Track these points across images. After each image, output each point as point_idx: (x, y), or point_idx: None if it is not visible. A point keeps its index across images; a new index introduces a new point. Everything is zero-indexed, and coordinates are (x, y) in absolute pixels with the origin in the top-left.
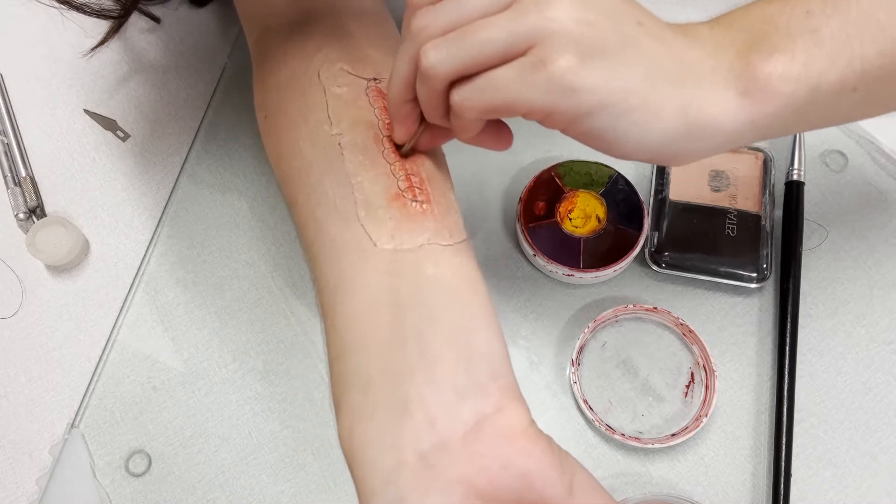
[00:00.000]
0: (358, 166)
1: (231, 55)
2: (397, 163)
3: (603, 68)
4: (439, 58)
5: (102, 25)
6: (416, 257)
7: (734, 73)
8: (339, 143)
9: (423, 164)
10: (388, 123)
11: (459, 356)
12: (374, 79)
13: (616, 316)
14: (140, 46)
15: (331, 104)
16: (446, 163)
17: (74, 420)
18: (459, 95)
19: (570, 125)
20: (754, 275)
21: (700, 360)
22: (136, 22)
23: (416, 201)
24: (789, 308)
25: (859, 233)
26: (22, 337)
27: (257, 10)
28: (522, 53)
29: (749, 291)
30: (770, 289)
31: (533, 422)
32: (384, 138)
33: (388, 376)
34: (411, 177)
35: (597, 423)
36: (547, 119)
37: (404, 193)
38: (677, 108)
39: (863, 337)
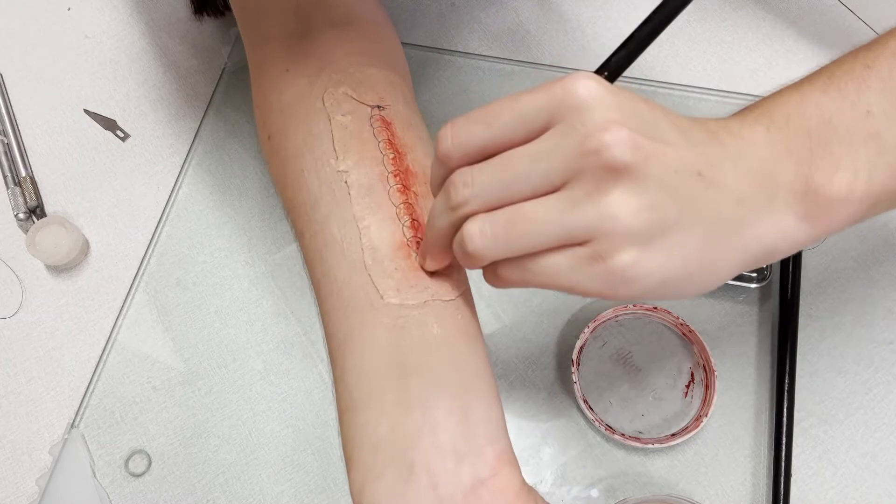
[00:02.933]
0: (365, 209)
1: (231, 55)
2: (402, 205)
3: (663, 249)
4: (485, 244)
5: (103, 25)
6: (420, 314)
7: (794, 194)
8: (346, 182)
9: (427, 206)
10: (392, 158)
11: (460, 421)
12: (378, 106)
13: (616, 316)
14: (140, 46)
15: (336, 135)
16: None
17: (74, 420)
18: (506, 272)
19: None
20: (754, 275)
21: (700, 360)
22: (136, 23)
23: (420, 253)
24: (789, 308)
25: (859, 233)
26: (22, 337)
27: (255, 21)
28: (578, 243)
29: (749, 291)
30: (770, 289)
31: (524, 483)
32: (389, 175)
33: (395, 437)
34: (415, 222)
35: (597, 423)
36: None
37: (409, 242)
38: (737, 255)
39: (863, 337)
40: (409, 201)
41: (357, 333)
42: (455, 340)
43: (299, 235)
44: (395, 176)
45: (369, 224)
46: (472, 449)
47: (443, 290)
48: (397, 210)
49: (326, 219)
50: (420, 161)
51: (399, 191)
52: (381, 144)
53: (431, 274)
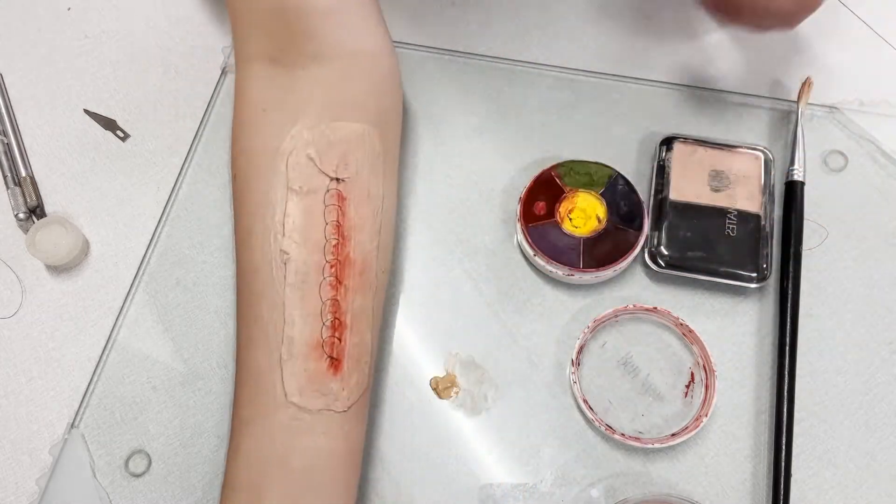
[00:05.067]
0: (294, 299)
1: (231, 55)
2: (329, 301)
3: None
4: None
5: (103, 25)
6: (312, 421)
7: None
8: (285, 264)
9: (354, 302)
10: (335, 245)
11: None
12: (337, 179)
13: (616, 316)
14: (140, 46)
15: (289, 209)
16: (384, 283)
17: (74, 420)
18: None
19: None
20: (754, 275)
21: (700, 360)
22: (136, 23)
23: (331, 357)
24: (789, 308)
25: (859, 233)
26: (22, 337)
27: (244, 35)
28: None
29: (749, 291)
30: (770, 289)
31: None
32: (325, 265)
33: None
34: (336, 321)
35: (597, 423)
36: None
37: (324, 344)
38: None
39: (863, 337)
40: (338, 298)
41: (258, 421)
42: (336, 451)
43: (238, 290)
44: (332, 267)
45: (295, 317)
46: None
47: (339, 401)
48: (323, 307)
49: (261, 295)
50: (363, 245)
51: (331, 285)
52: (327, 228)
53: (336, 375)
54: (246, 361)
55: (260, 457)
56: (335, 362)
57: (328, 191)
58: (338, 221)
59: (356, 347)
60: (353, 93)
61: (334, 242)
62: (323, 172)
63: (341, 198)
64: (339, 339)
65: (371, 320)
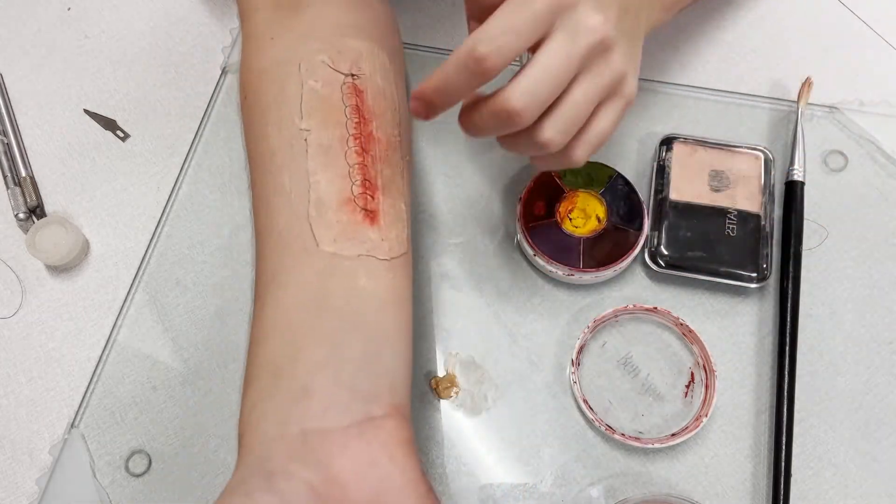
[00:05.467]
0: (318, 165)
1: (231, 55)
2: (357, 165)
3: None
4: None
5: (103, 25)
6: (352, 266)
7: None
8: (306, 139)
9: (383, 171)
10: (356, 123)
11: (365, 366)
12: (352, 74)
13: (616, 316)
14: (140, 46)
15: (305, 98)
16: (410, 170)
17: (74, 420)
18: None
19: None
20: (754, 275)
21: (700, 360)
22: (136, 23)
23: (365, 209)
24: (789, 308)
25: (859, 233)
26: (22, 337)
27: None
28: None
29: (749, 291)
30: (770, 289)
31: (413, 441)
32: (349, 138)
33: (297, 365)
34: (366, 182)
35: (597, 423)
36: None
37: (356, 199)
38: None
39: (863, 337)
40: (365, 163)
41: (285, 273)
42: (382, 295)
43: (252, 185)
44: (356, 139)
45: (320, 179)
46: (370, 391)
47: (380, 249)
48: (350, 170)
49: (280, 169)
50: (386, 129)
51: (356, 153)
52: (347, 109)
53: (372, 226)
54: (266, 229)
55: (295, 302)
56: (371, 215)
57: (344, 83)
58: (357, 105)
59: (391, 207)
60: (357, 20)
61: (355, 121)
62: (337, 70)
63: (358, 90)
64: (372, 197)
65: (402, 191)
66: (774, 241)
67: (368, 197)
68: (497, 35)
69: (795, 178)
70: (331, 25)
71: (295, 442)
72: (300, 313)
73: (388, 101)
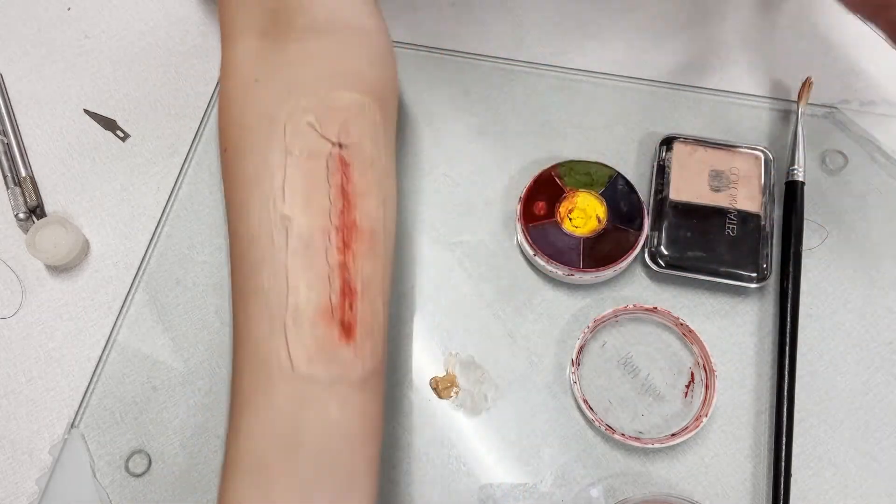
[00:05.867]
0: (298, 265)
1: None
2: (337, 267)
3: None
4: None
5: (103, 25)
6: (324, 394)
7: None
8: (287, 229)
9: (363, 269)
10: (340, 210)
11: (335, 502)
12: (339, 144)
13: (616, 316)
14: (140, 46)
15: (288, 174)
16: (391, 257)
17: (74, 420)
18: None
19: None
20: (754, 275)
21: (700, 360)
22: (136, 23)
23: (342, 323)
24: (789, 308)
25: (859, 233)
26: (22, 337)
27: (232, 14)
28: None
29: (749, 291)
30: (770, 289)
31: None
32: (332, 230)
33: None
34: (345, 287)
35: (597, 423)
36: None
37: (334, 310)
38: None
39: (863, 337)
40: (346, 263)
41: (260, 397)
42: (353, 430)
43: (232, 268)
44: (338, 232)
45: (299, 283)
46: None
47: (353, 370)
48: (331, 272)
49: (258, 265)
50: (370, 212)
51: (338, 249)
52: (331, 192)
53: (348, 343)
54: (243, 336)
55: (266, 434)
56: (347, 328)
57: (330, 155)
58: (342, 185)
59: (369, 315)
60: (349, 65)
61: (340, 206)
62: (324, 137)
63: (344, 163)
64: (350, 306)
65: (382, 288)
66: (774, 241)
67: (346, 307)
68: None
69: (795, 178)
70: (320, 71)
71: None
72: (272, 451)
73: (375, 172)
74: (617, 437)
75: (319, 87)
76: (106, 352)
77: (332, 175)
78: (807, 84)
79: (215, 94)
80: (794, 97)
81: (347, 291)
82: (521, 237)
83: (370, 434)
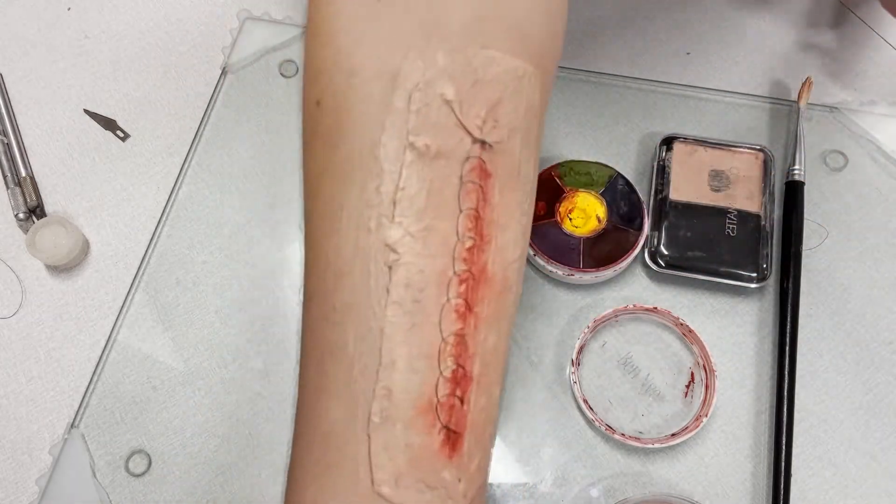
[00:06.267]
0: (400, 329)
1: (231, 55)
2: (453, 339)
3: None
4: None
5: (103, 25)
6: None
7: None
8: (391, 267)
9: (486, 341)
10: (469, 248)
11: None
12: (482, 142)
13: (616, 316)
14: (140, 46)
15: (406, 176)
16: (515, 312)
17: (74, 420)
18: None
19: None
20: (754, 275)
21: (700, 360)
22: (136, 23)
23: (447, 429)
24: (789, 308)
25: (859, 233)
26: (22, 337)
27: None
28: None
29: (749, 291)
30: (770, 289)
31: None
32: (453, 279)
33: None
34: (459, 371)
35: (597, 423)
36: None
37: (439, 406)
38: None
39: (863, 337)
40: (464, 336)
41: None
42: None
43: (306, 296)
44: (461, 283)
45: (397, 358)
46: None
47: (452, 493)
48: (443, 346)
49: (345, 316)
50: (506, 252)
51: (457, 314)
52: (461, 218)
53: (451, 459)
54: (312, 416)
55: None
56: (453, 437)
57: (468, 158)
58: (477, 211)
59: (483, 412)
60: (511, 7)
61: (469, 244)
62: (464, 127)
63: (485, 174)
64: (462, 401)
65: (502, 367)
66: (774, 241)
67: (456, 401)
68: None
69: (795, 178)
70: (469, 14)
71: None
72: None
73: (521, 186)
74: (617, 437)
75: (466, 38)
76: (106, 352)
77: (465, 194)
78: (807, 84)
79: (215, 94)
80: (794, 97)
81: (461, 377)
82: None
83: None
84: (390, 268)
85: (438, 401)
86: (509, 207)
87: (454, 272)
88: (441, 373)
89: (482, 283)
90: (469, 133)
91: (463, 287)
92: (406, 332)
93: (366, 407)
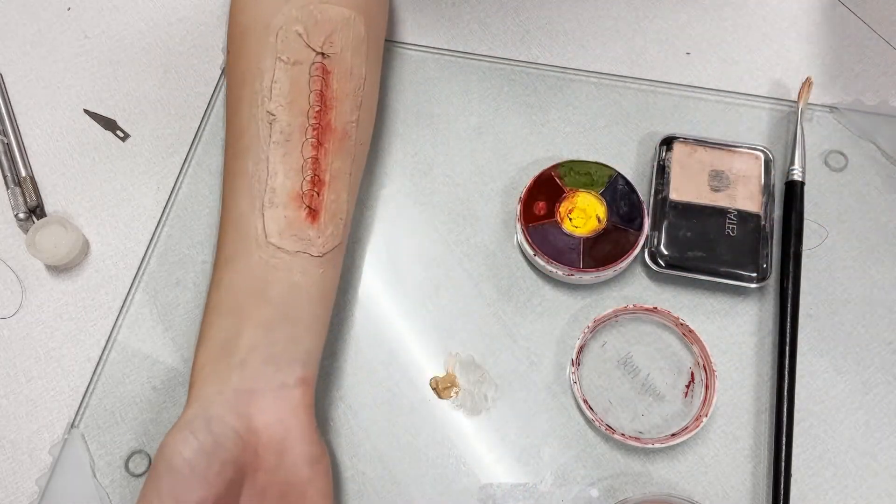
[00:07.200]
0: (278, 155)
1: None
2: (310, 160)
3: None
4: None
5: (103, 25)
6: (290, 261)
7: None
8: (271, 123)
9: (332, 164)
10: (317, 112)
11: (289, 347)
12: (322, 53)
13: (616, 316)
14: (140, 46)
15: (276, 77)
16: (364, 153)
17: (74, 420)
18: None
19: None
20: (754, 275)
21: (700, 360)
22: (136, 23)
23: (309, 207)
24: (789, 308)
25: (859, 233)
26: (22, 337)
27: None
28: None
29: (749, 291)
30: (770, 289)
31: (313, 405)
32: (309, 128)
33: (240, 344)
34: (316, 178)
35: (597, 423)
36: None
37: (304, 196)
38: None
39: (863, 337)
40: (318, 158)
41: (240, 258)
42: (311, 292)
43: (225, 150)
44: (314, 130)
45: (277, 170)
46: (288, 367)
47: (314, 246)
48: (304, 164)
49: (245, 152)
50: (344, 116)
51: (312, 146)
52: (311, 95)
53: (313, 224)
54: (229, 209)
55: (242, 287)
56: (313, 212)
57: (313, 63)
58: (321, 91)
59: (333, 203)
60: None
61: (317, 109)
62: (309, 47)
63: (325, 71)
64: (318, 194)
65: (347, 182)
66: (774, 241)
67: (314, 194)
68: None
69: (795, 178)
70: None
71: (230, 399)
72: (246, 299)
73: (353, 80)
74: (617, 437)
75: (311, 0)
76: (106, 352)
77: (313, 81)
78: (807, 84)
79: (215, 94)
80: (794, 97)
81: (317, 182)
82: (521, 237)
83: (324, 297)
84: (271, 124)
85: (303, 193)
86: (345, 91)
87: (309, 124)
88: (304, 178)
89: (327, 132)
90: (313, 49)
91: (315, 133)
92: (282, 157)
93: (260, 199)
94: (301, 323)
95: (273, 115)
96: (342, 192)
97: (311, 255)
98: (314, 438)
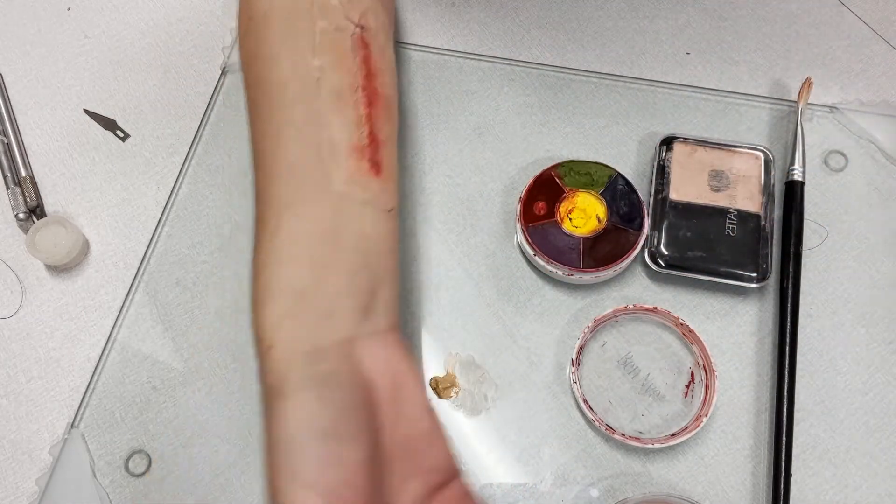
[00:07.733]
0: (332, 108)
1: (231, 55)
2: (364, 117)
3: None
4: None
5: (103, 25)
6: (359, 211)
7: None
8: (318, 79)
9: (384, 127)
10: (365, 75)
11: (374, 294)
12: (361, 26)
13: (616, 316)
14: (140, 46)
15: (318, 37)
16: (394, 125)
17: (74, 420)
18: None
19: None
20: (754, 275)
21: (700, 360)
22: (136, 23)
23: (372, 160)
24: (789, 308)
25: (859, 233)
26: (22, 337)
27: None
28: None
29: (749, 291)
30: (770, 289)
31: (408, 347)
32: (358, 88)
33: (322, 291)
34: (372, 134)
35: (597, 423)
36: None
37: (364, 149)
38: None
39: (863, 337)
40: (372, 116)
41: (300, 204)
42: (381, 244)
43: (257, 113)
44: (364, 91)
45: (332, 121)
46: (377, 314)
47: (381, 200)
48: (360, 118)
49: (293, 103)
50: (387, 86)
51: (364, 104)
52: (357, 59)
53: (377, 177)
54: (278, 158)
55: (312, 234)
56: (376, 165)
57: (353, 34)
58: (365, 57)
59: (390, 164)
60: None
61: (364, 72)
62: (348, 18)
63: (365, 43)
64: (378, 149)
65: (395, 149)
66: (774, 241)
67: (374, 149)
68: None
69: (795, 178)
70: None
71: (332, 351)
72: (319, 246)
73: (387, 61)
74: (617, 437)
75: None
76: (106, 352)
77: (356, 49)
78: (807, 84)
79: (215, 94)
80: (794, 97)
81: (374, 139)
82: (521, 237)
83: (393, 251)
84: (318, 80)
85: (364, 146)
86: (384, 65)
87: (358, 84)
88: (361, 132)
89: (376, 95)
90: (352, 21)
91: (365, 94)
92: (335, 111)
93: (317, 149)
94: (377, 274)
95: (321, 71)
96: (394, 158)
97: (378, 209)
98: (420, 376)
